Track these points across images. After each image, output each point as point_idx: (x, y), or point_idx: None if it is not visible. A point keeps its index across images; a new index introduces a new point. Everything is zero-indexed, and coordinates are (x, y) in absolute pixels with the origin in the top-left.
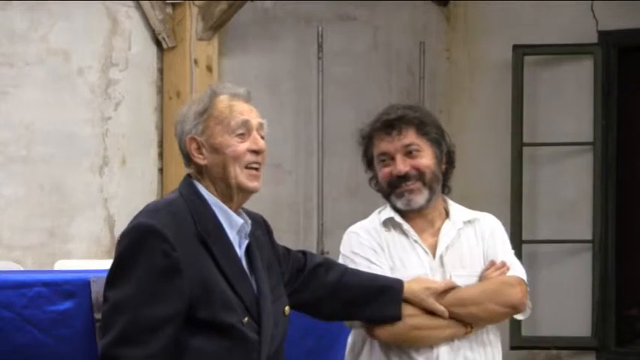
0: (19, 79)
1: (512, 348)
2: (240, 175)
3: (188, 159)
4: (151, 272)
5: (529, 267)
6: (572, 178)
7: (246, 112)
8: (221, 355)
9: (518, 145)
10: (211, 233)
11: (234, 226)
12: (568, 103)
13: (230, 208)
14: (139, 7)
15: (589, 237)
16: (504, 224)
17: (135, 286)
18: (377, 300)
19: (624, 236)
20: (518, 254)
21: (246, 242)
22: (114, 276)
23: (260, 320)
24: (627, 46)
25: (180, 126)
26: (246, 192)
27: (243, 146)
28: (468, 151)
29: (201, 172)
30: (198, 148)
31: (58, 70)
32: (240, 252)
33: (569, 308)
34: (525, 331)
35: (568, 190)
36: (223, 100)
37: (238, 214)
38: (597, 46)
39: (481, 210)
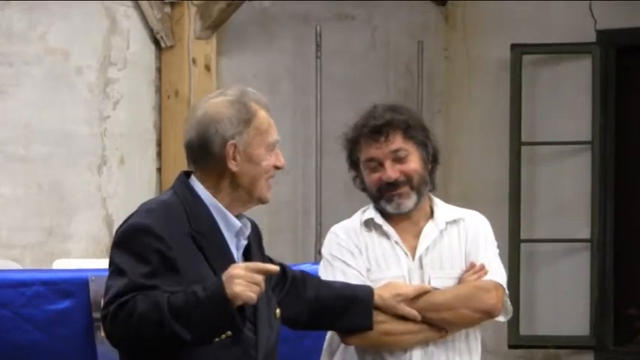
0: (17, 79)
1: (511, 347)
2: (264, 189)
3: (215, 161)
4: (148, 269)
5: (527, 266)
6: (571, 178)
7: (274, 126)
8: (219, 354)
9: (516, 144)
10: (205, 233)
11: (231, 228)
12: (566, 102)
13: (232, 211)
14: (138, 7)
15: (587, 236)
16: (502, 223)
17: (132, 275)
18: (347, 311)
19: (622, 235)
20: (517, 253)
21: (244, 245)
22: (111, 275)
23: (256, 320)
24: (625, 45)
25: (215, 126)
26: (261, 203)
27: (272, 161)
28: (466, 150)
29: (222, 175)
30: (234, 155)
31: (57, 69)
32: (238, 254)
33: (568, 307)
34: (524, 330)
35: (566, 189)
36: (262, 112)
37: (239, 217)
38: (595, 45)
39: (479, 209)
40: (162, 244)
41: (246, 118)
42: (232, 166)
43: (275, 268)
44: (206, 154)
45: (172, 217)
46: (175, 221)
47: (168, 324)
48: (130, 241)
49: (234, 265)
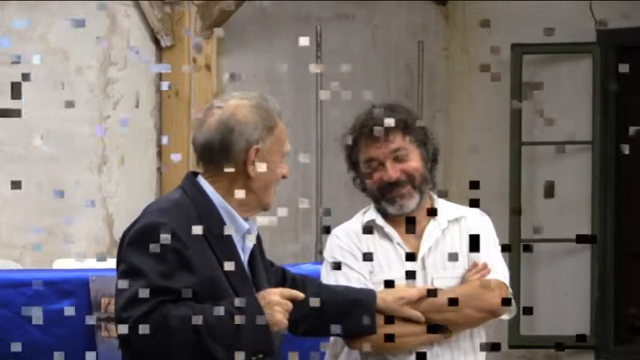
0: (17, 79)
1: (511, 347)
2: (271, 197)
3: (235, 164)
4: (164, 267)
5: (528, 266)
6: (571, 177)
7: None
8: None
9: (516, 144)
10: (216, 234)
11: (239, 230)
12: (567, 101)
13: (240, 213)
14: (138, 6)
15: None
16: (503, 223)
17: (151, 276)
18: (350, 315)
19: (623, 235)
20: (517, 253)
21: (250, 247)
22: (125, 275)
23: None
24: (626, 44)
25: (240, 129)
26: (263, 210)
27: (283, 170)
28: (467, 150)
29: (236, 178)
30: (254, 159)
31: (57, 69)
32: (244, 256)
33: (568, 307)
34: (524, 330)
35: (567, 189)
36: (281, 122)
37: (245, 219)
38: (596, 45)
39: (479, 209)
40: (180, 242)
41: (269, 125)
42: (251, 170)
43: (302, 295)
44: (227, 155)
45: (186, 215)
46: (189, 220)
47: (204, 343)
48: (147, 240)
49: (269, 291)
